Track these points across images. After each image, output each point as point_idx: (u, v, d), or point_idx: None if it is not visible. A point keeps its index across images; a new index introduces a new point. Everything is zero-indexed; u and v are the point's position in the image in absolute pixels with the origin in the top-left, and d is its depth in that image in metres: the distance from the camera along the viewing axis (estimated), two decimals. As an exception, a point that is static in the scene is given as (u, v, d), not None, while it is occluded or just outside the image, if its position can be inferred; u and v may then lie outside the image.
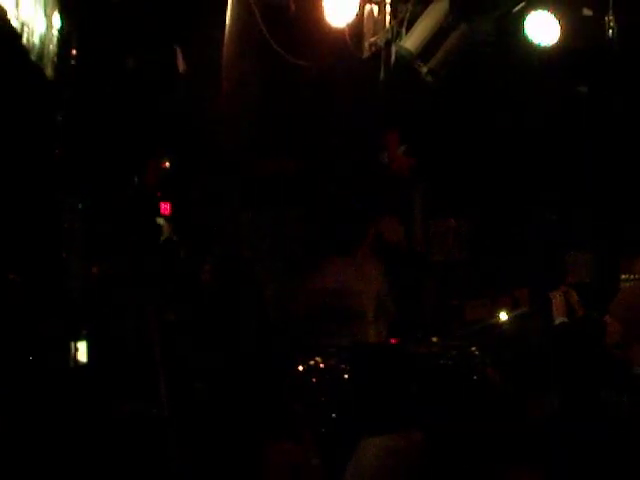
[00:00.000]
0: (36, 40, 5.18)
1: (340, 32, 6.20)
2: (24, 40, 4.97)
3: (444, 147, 7.38)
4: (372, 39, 6.31)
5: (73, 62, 5.80)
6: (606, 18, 6.07)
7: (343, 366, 5.97)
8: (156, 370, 5.90)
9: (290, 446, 5.10)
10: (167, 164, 6.57)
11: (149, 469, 5.58)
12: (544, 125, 7.32)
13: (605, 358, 4.54)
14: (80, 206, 5.92)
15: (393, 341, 6.48)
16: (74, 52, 5.82)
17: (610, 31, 6.06)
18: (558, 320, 5.39)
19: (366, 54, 6.36)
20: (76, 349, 5.75)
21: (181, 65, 6.24)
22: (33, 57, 5.15)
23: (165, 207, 6.51)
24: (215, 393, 6.06)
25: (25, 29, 5.00)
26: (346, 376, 5.89)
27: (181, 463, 5.72)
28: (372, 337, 6.37)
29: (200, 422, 5.89)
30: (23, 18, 4.96)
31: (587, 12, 6.55)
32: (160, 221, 6.52)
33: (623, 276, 6.70)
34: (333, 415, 5.71)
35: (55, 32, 5.53)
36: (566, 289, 5.49)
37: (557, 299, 5.41)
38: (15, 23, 4.81)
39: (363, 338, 6.32)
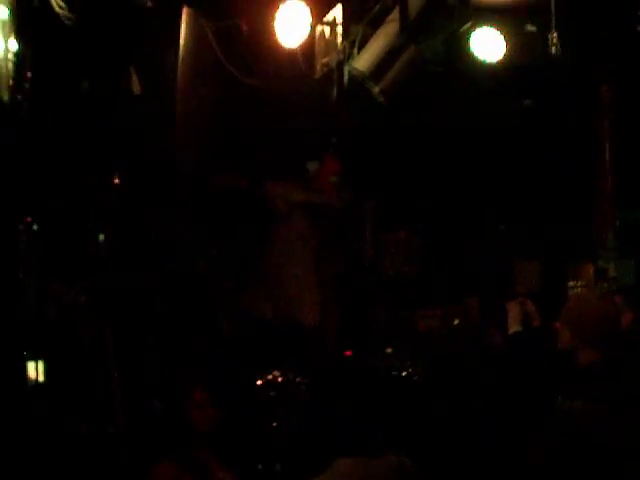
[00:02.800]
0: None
1: (293, 52, 6.43)
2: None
3: (395, 161, 7.70)
4: (324, 59, 6.58)
5: (27, 85, 5.95)
6: (549, 35, 6.26)
7: (299, 379, 6.27)
8: (112, 388, 6.08)
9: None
10: (116, 180, 6.67)
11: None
12: (492, 139, 7.73)
13: (559, 365, 4.65)
14: (35, 227, 6.06)
15: (347, 353, 6.75)
16: (29, 75, 5.98)
17: (553, 47, 6.24)
18: (512, 329, 5.60)
19: (318, 74, 6.62)
20: (32, 369, 5.89)
21: (136, 86, 6.40)
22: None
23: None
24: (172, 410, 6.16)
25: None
26: (304, 390, 6.20)
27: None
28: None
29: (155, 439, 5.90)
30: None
31: (531, 28, 6.91)
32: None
33: (571, 283, 7.12)
34: (294, 432, 6.00)
35: (11, 56, 5.72)
36: (523, 299, 5.71)
37: (513, 309, 5.63)
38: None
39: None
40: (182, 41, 6.53)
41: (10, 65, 5.71)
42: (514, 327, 5.61)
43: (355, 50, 6.41)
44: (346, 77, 6.43)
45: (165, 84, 6.53)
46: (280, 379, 6.27)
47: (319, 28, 6.58)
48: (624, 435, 4.18)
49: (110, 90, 6.43)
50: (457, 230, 8.04)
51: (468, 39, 6.75)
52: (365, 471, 3.68)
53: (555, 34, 6.19)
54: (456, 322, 7.24)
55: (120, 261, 6.64)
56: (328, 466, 3.70)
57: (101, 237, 6.55)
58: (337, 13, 6.58)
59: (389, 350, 6.81)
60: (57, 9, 5.91)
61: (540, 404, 4.62)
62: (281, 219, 7.18)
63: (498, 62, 6.83)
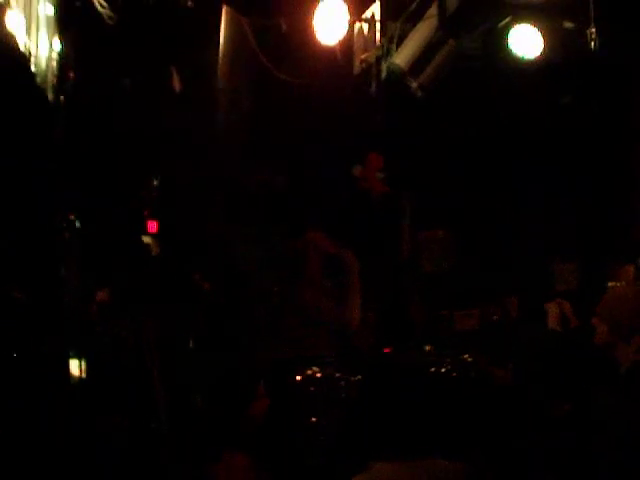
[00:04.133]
0: (40, 64, 5.60)
1: (331, 50, 6.60)
2: (30, 64, 5.39)
3: (433, 159, 7.74)
4: (363, 56, 6.69)
5: (71, 84, 6.18)
6: (587, 31, 6.30)
7: (339, 375, 6.20)
8: (153, 385, 6.21)
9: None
10: (155, 182, 6.89)
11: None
12: (531, 136, 7.71)
13: (597, 361, 4.64)
14: (77, 224, 6.26)
15: (386, 350, 6.79)
16: (72, 75, 6.23)
17: (592, 43, 6.27)
18: (553, 329, 5.71)
19: (357, 70, 6.74)
20: (77, 365, 6.06)
21: (177, 84, 6.59)
22: (38, 80, 5.58)
23: (152, 225, 6.82)
24: (209, 406, 6.24)
25: (31, 53, 5.43)
26: (344, 385, 6.13)
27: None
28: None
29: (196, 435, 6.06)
30: (29, 43, 5.38)
31: (568, 24, 6.95)
32: (147, 239, 6.82)
33: (610, 284, 6.89)
34: (336, 430, 5.89)
35: (55, 55, 5.94)
36: (560, 300, 5.74)
37: (552, 310, 5.70)
38: (22, 48, 5.23)
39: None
40: (222, 40, 6.70)
41: (54, 64, 5.91)
42: (554, 327, 5.67)
43: (393, 46, 6.54)
44: (384, 73, 6.55)
45: (206, 83, 6.69)
46: (319, 374, 6.21)
47: (357, 25, 6.71)
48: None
49: (152, 89, 6.61)
50: (495, 229, 8.07)
51: (506, 35, 6.84)
52: (409, 477, 3.40)
53: (594, 30, 6.23)
54: (495, 318, 7.26)
55: (160, 261, 6.82)
56: (365, 468, 3.46)
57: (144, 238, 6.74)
58: (375, 10, 6.69)
59: (428, 347, 6.83)
60: (99, 8, 6.11)
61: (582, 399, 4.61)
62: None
63: (536, 59, 6.91)
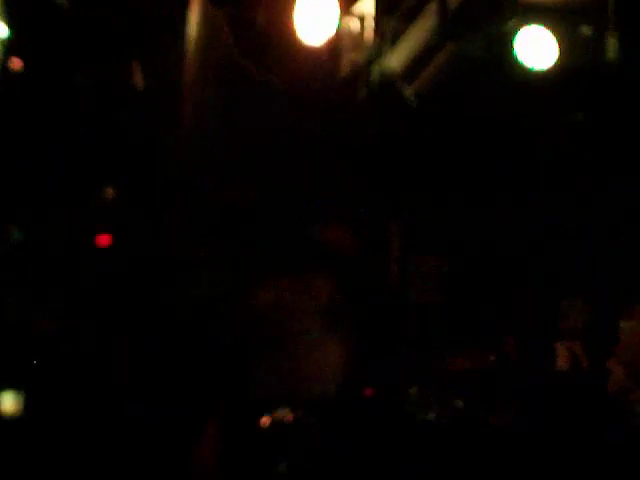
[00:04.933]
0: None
1: (315, 48, 6.16)
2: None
3: (426, 177, 7.23)
4: (351, 56, 6.31)
5: (17, 73, 5.85)
6: (606, 37, 6.14)
7: (311, 419, 5.89)
8: None
9: None
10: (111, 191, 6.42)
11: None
12: (537, 156, 7.24)
13: (610, 407, 4.75)
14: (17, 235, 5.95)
15: (368, 392, 6.37)
16: (19, 63, 5.87)
17: (611, 51, 6.13)
18: (561, 371, 5.70)
19: (344, 73, 6.34)
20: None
21: (139, 81, 6.18)
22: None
23: (104, 239, 6.38)
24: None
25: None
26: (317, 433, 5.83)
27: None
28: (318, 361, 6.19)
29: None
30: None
31: (586, 30, 6.49)
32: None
33: (624, 323, 6.69)
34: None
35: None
36: (570, 340, 5.87)
37: (561, 350, 5.80)
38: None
39: (304, 362, 6.15)
40: (190, 32, 6.18)
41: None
42: (564, 368, 5.74)
43: (387, 46, 6.25)
44: (376, 77, 6.23)
45: (171, 81, 6.21)
46: (289, 417, 5.91)
47: (346, 21, 6.28)
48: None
49: (109, 84, 6.18)
50: (494, 258, 7.48)
51: (514, 39, 6.37)
52: None
53: (614, 36, 6.08)
54: (491, 358, 6.92)
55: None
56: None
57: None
58: (367, 4, 6.28)
59: (414, 390, 6.50)
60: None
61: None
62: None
63: (548, 67, 6.45)
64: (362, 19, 6.25)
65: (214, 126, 6.28)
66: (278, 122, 6.46)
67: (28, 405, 5.77)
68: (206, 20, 6.17)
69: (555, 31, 6.39)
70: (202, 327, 6.22)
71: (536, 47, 6.39)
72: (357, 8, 6.30)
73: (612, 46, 6.06)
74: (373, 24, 6.23)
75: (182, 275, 6.35)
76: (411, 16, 6.17)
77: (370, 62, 6.26)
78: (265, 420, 5.88)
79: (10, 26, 5.71)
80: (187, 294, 6.30)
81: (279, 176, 6.52)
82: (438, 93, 6.32)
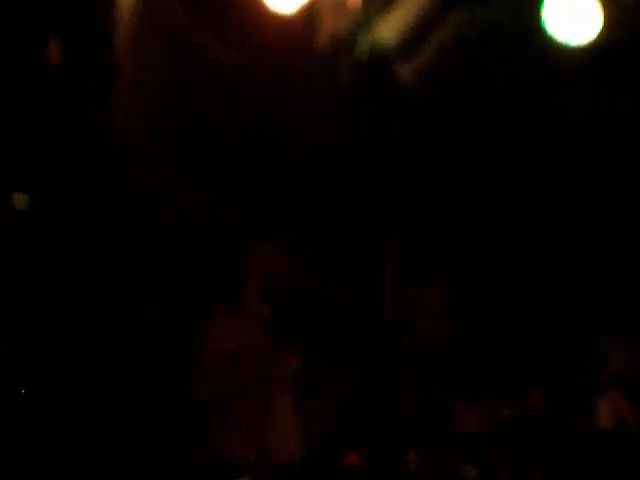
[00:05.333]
0: None
1: (287, 17, 5.51)
2: None
3: (427, 190, 6.59)
4: (331, 26, 5.75)
5: None
6: None
7: None
8: None
9: None
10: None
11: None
12: (569, 160, 6.46)
13: None
14: None
15: (354, 459, 5.75)
16: None
17: None
18: (603, 430, 5.48)
19: (323, 47, 5.77)
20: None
21: (55, 55, 5.45)
22: None
23: None
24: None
25: None
26: None
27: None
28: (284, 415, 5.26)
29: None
30: None
31: None
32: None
33: None
34: None
35: None
36: (614, 391, 5.59)
37: (602, 403, 5.53)
38: None
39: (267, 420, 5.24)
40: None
41: None
42: (607, 426, 5.52)
43: (376, 12, 5.68)
44: (363, 53, 5.68)
45: (97, 57, 5.55)
46: None
47: None
48: None
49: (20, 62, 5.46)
50: (513, 288, 6.77)
51: (542, 3, 5.53)
52: None
53: None
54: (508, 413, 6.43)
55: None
56: None
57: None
58: None
59: (412, 454, 5.91)
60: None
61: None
62: None
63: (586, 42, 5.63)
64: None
65: (155, 112, 5.64)
66: (240, 110, 5.86)
67: None
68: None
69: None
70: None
71: (572, 16, 5.56)
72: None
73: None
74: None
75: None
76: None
77: (355, 33, 5.74)
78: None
79: None
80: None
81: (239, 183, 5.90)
82: (442, 73, 5.74)
